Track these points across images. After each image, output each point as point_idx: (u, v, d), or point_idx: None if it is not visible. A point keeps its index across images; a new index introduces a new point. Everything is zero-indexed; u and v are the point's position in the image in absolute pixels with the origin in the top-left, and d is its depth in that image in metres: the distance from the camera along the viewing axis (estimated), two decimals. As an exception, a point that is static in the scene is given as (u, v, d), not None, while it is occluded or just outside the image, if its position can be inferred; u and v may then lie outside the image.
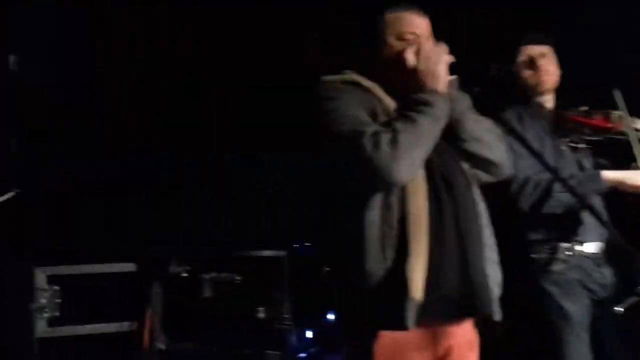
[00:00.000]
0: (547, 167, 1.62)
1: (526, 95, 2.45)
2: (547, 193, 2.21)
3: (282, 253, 3.07)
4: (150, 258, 2.92)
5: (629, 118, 2.31)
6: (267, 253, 3.08)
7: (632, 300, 2.11)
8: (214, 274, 2.98)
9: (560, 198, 2.20)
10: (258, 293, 3.01)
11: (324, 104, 1.72)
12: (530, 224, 2.31)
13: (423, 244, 1.63)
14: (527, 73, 2.41)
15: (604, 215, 2.30)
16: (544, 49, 2.44)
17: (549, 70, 2.42)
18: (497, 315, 1.73)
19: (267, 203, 3.50)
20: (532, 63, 2.40)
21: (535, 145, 2.28)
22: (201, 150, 3.52)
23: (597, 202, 2.33)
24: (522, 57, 2.41)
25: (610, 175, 2.25)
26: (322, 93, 1.75)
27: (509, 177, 2.02)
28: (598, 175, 2.25)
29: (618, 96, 2.33)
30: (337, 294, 1.77)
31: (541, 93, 2.44)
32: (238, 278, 2.98)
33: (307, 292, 3.00)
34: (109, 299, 2.84)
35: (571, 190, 1.64)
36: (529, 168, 2.22)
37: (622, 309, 2.10)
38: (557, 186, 2.20)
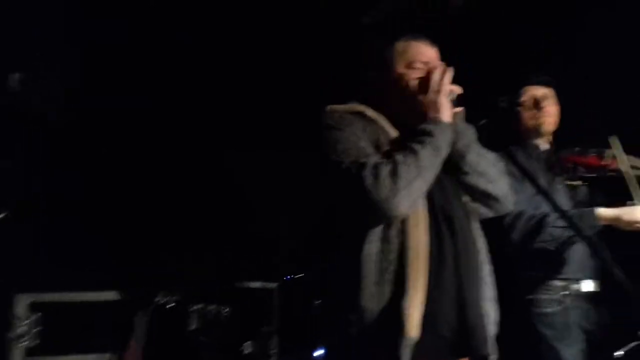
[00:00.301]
0: (550, 201, 1.61)
1: (524, 135, 2.45)
2: (539, 226, 2.20)
3: (272, 285, 3.01)
4: (136, 287, 2.85)
5: (624, 156, 2.33)
6: (256, 285, 3.02)
7: (632, 345, 2.06)
8: (201, 306, 2.91)
9: (553, 232, 2.19)
10: (246, 326, 2.93)
11: (328, 133, 1.70)
12: (525, 262, 2.28)
13: (421, 280, 1.59)
14: (529, 114, 2.42)
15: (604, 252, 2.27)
16: (547, 91, 2.45)
17: (551, 113, 2.43)
18: (493, 356, 1.69)
19: (258, 233, 3.45)
20: (535, 104, 2.41)
21: (529, 188, 2.24)
22: (191, 180, 3.48)
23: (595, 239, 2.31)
24: (525, 98, 2.42)
25: (606, 212, 2.23)
26: (327, 122, 1.73)
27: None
28: (593, 212, 2.24)
29: (613, 139, 2.34)
30: (329, 330, 1.72)
31: (541, 134, 2.45)
32: (226, 310, 2.91)
33: (297, 327, 2.93)
34: (93, 329, 2.75)
35: (572, 224, 1.62)
36: (523, 203, 2.21)
37: (622, 354, 2.05)
38: (550, 220, 2.19)
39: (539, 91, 2.43)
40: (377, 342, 1.58)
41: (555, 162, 2.40)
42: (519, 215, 2.22)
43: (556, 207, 1.63)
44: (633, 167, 2.35)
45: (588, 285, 2.28)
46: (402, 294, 1.57)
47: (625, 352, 2.03)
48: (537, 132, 2.44)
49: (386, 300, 1.59)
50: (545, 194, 1.64)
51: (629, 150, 2.38)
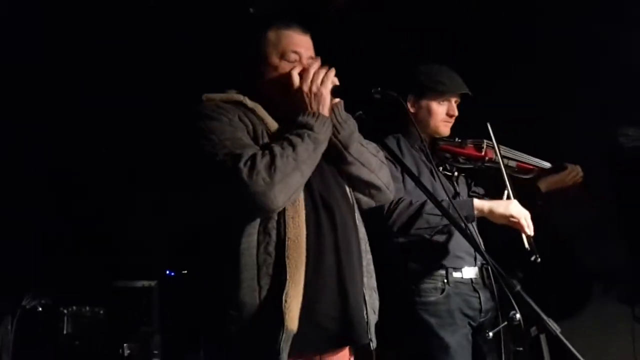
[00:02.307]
0: (424, 189, 1.65)
1: (410, 124, 2.47)
2: (417, 213, 2.23)
3: (151, 283, 2.88)
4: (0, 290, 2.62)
5: (499, 147, 2.43)
6: (134, 283, 2.88)
7: (501, 326, 2.18)
8: (74, 308, 2.73)
9: (429, 220, 2.23)
10: (124, 328, 2.79)
11: (201, 123, 1.62)
12: (407, 252, 2.33)
13: (301, 271, 1.57)
14: (429, 119, 2.45)
15: (477, 240, 2.35)
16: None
17: (453, 118, 2.48)
18: (374, 344, 1.72)
19: (136, 229, 3.29)
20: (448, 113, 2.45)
21: (413, 171, 2.28)
22: (60, 177, 3.27)
23: (472, 228, 2.39)
24: (434, 100, 2.44)
25: (481, 204, 2.29)
26: (201, 111, 1.66)
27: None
28: (470, 202, 2.31)
29: (489, 128, 2.44)
30: (209, 326, 1.67)
31: (437, 134, 2.49)
32: (102, 311, 2.75)
33: (180, 325, 2.83)
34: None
35: (446, 213, 1.68)
36: (405, 192, 2.25)
37: (491, 334, 2.15)
38: (427, 208, 2.22)
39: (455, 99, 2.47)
40: (257, 336, 1.55)
41: (435, 153, 2.46)
42: (397, 202, 2.23)
43: (430, 196, 1.67)
44: (506, 157, 2.46)
45: (469, 273, 2.34)
46: (282, 287, 1.55)
47: (494, 333, 2.13)
48: (433, 131, 2.49)
49: (265, 294, 1.56)
50: (419, 182, 1.68)
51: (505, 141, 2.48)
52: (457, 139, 2.49)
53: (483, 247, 2.35)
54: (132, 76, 3.31)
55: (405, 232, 2.25)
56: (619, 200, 2.44)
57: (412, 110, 2.45)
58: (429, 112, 2.44)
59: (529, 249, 2.24)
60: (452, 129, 2.49)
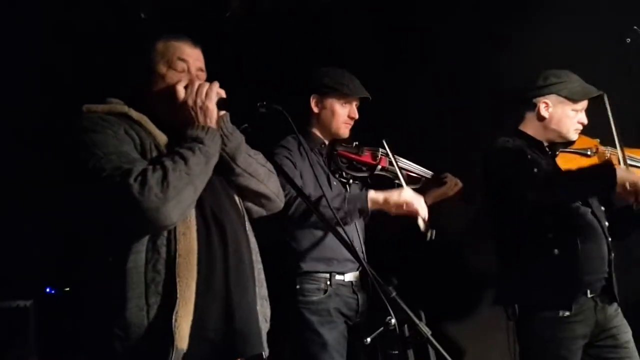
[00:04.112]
0: (305, 198, 1.73)
1: (310, 127, 2.55)
2: (315, 205, 2.25)
3: (26, 302, 2.69)
4: None
5: (393, 156, 2.55)
6: (7, 304, 2.67)
7: (379, 331, 2.28)
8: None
9: (326, 213, 2.22)
10: (-1, 350, 2.59)
11: (84, 136, 1.55)
12: (295, 255, 2.40)
13: (192, 288, 1.55)
14: (332, 119, 2.51)
15: (356, 245, 2.44)
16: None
17: (353, 120, 2.55)
18: (266, 352, 1.73)
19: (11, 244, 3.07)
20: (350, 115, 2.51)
21: (311, 175, 2.37)
22: None
23: (358, 234, 2.50)
24: (337, 102, 2.50)
25: (376, 195, 2.36)
26: (83, 124, 1.58)
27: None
28: (364, 194, 2.39)
29: (386, 140, 2.55)
30: (92, 346, 1.60)
31: (338, 135, 2.56)
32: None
33: (61, 347, 2.67)
34: None
35: (328, 223, 1.75)
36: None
37: (368, 340, 2.26)
38: (324, 202, 2.24)
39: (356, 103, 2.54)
40: (144, 357, 1.51)
41: (333, 157, 2.54)
42: (296, 196, 2.27)
43: (307, 200, 1.73)
44: (401, 169, 2.58)
45: (350, 276, 2.46)
46: (171, 306, 1.52)
47: (372, 338, 2.22)
48: (334, 134, 2.56)
49: (154, 313, 1.52)
50: (307, 199, 1.73)
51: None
52: (355, 144, 2.58)
53: (364, 250, 2.50)
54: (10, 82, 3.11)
55: (303, 222, 2.31)
56: (490, 205, 2.63)
57: (315, 110, 2.53)
58: (332, 112, 2.51)
59: (424, 230, 2.34)
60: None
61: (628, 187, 2.32)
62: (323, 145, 2.55)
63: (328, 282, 2.39)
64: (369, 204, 2.35)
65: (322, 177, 2.48)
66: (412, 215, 2.38)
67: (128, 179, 1.48)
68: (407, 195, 2.35)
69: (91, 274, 1.61)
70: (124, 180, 1.48)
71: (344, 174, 2.55)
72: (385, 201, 2.36)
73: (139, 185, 1.48)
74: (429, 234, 2.35)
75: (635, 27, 3.05)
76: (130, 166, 1.51)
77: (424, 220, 2.35)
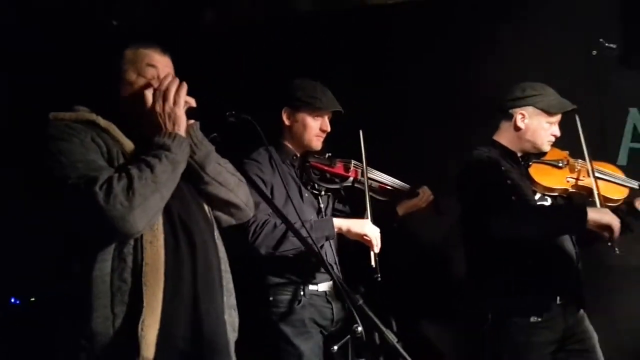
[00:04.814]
0: (277, 211, 1.73)
1: (282, 139, 2.55)
2: (282, 237, 2.30)
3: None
4: None
5: (366, 169, 2.57)
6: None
7: (346, 339, 2.32)
8: None
9: (294, 242, 2.30)
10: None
11: (52, 144, 1.54)
12: (268, 267, 2.39)
13: (158, 297, 1.54)
14: (304, 132, 2.52)
15: (329, 255, 2.49)
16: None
17: (325, 133, 2.56)
18: None
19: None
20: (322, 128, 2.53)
21: (282, 188, 2.39)
22: None
23: (330, 244, 2.51)
24: (309, 115, 2.51)
25: (340, 223, 2.43)
26: (50, 132, 1.57)
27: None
28: (330, 221, 2.43)
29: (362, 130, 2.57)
30: (60, 356, 1.58)
31: (310, 148, 2.57)
32: None
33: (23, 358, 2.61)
34: None
35: (297, 235, 1.76)
36: (267, 210, 2.30)
37: (335, 348, 2.31)
38: (292, 231, 2.30)
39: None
40: None
41: (305, 169, 2.54)
42: (263, 224, 2.29)
43: (285, 219, 1.73)
44: (370, 179, 2.61)
45: (324, 286, 2.46)
46: (138, 315, 1.51)
47: (339, 346, 2.26)
48: (307, 147, 2.57)
49: (120, 322, 1.51)
50: (279, 212, 1.74)
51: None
52: (327, 155, 2.61)
53: (337, 261, 2.51)
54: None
55: (272, 254, 2.32)
56: (463, 216, 2.66)
57: (287, 122, 2.54)
58: (304, 126, 2.52)
59: (374, 266, 2.38)
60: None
61: (599, 227, 2.36)
62: (295, 157, 2.56)
63: (301, 293, 2.39)
64: (335, 231, 2.41)
65: (294, 189, 2.49)
66: (368, 247, 2.42)
67: (93, 187, 1.47)
68: (368, 229, 2.42)
69: (58, 283, 1.60)
70: (89, 188, 1.47)
71: (315, 185, 2.56)
72: (348, 230, 2.43)
73: (104, 194, 1.47)
74: (375, 276, 2.38)
75: (601, 40, 3.14)
76: (96, 174, 1.50)
77: (375, 256, 2.41)
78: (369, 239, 2.40)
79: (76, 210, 1.50)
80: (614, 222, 2.34)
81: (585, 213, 2.35)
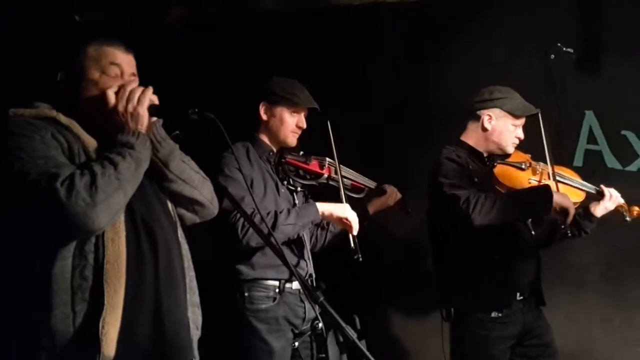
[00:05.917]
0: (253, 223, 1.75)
1: (259, 135, 2.57)
2: (273, 228, 2.32)
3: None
4: None
5: (339, 166, 2.63)
6: None
7: (307, 334, 2.39)
8: None
9: (284, 230, 2.35)
10: None
11: (11, 140, 1.52)
12: (243, 262, 2.40)
13: (120, 295, 1.54)
14: (280, 128, 2.54)
15: (305, 253, 2.52)
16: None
17: (301, 130, 2.59)
18: (197, 358, 1.74)
19: None
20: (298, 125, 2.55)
21: (260, 182, 2.43)
22: None
23: (304, 242, 2.53)
24: (287, 111, 2.53)
25: (323, 207, 2.49)
26: (9, 128, 1.55)
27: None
28: (314, 206, 2.49)
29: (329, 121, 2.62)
30: (17, 356, 1.56)
31: (285, 144, 2.59)
32: None
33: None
34: None
35: (257, 229, 1.78)
36: (253, 204, 2.26)
37: (296, 344, 2.38)
38: (281, 220, 2.35)
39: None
40: None
41: (281, 165, 2.57)
42: (251, 216, 2.27)
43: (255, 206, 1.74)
44: (344, 177, 2.67)
45: (298, 284, 2.44)
46: (98, 313, 1.50)
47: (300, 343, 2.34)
48: (282, 143, 2.59)
49: (81, 321, 1.51)
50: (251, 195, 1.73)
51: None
52: (301, 153, 2.64)
53: (310, 257, 2.54)
54: None
55: (263, 246, 2.35)
56: (431, 213, 2.73)
57: (264, 117, 2.56)
58: (281, 121, 2.55)
59: (353, 248, 2.47)
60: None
61: (558, 209, 2.53)
62: (271, 153, 2.58)
63: (277, 290, 2.41)
64: (320, 215, 2.48)
65: (271, 184, 2.52)
66: (348, 230, 2.51)
67: (54, 183, 1.46)
68: (348, 213, 2.50)
69: (16, 282, 1.57)
70: (50, 184, 1.46)
71: (291, 181, 2.60)
72: (330, 214, 2.51)
73: (65, 190, 1.46)
74: (356, 256, 2.46)
75: (559, 44, 3.24)
76: (57, 170, 1.49)
77: (354, 238, 2.49)
78: (349, 222, 2.47)
79: (37, 206, 1.49)
80: (572, 206, 2.55)
81: (551, 194, 2.51)
